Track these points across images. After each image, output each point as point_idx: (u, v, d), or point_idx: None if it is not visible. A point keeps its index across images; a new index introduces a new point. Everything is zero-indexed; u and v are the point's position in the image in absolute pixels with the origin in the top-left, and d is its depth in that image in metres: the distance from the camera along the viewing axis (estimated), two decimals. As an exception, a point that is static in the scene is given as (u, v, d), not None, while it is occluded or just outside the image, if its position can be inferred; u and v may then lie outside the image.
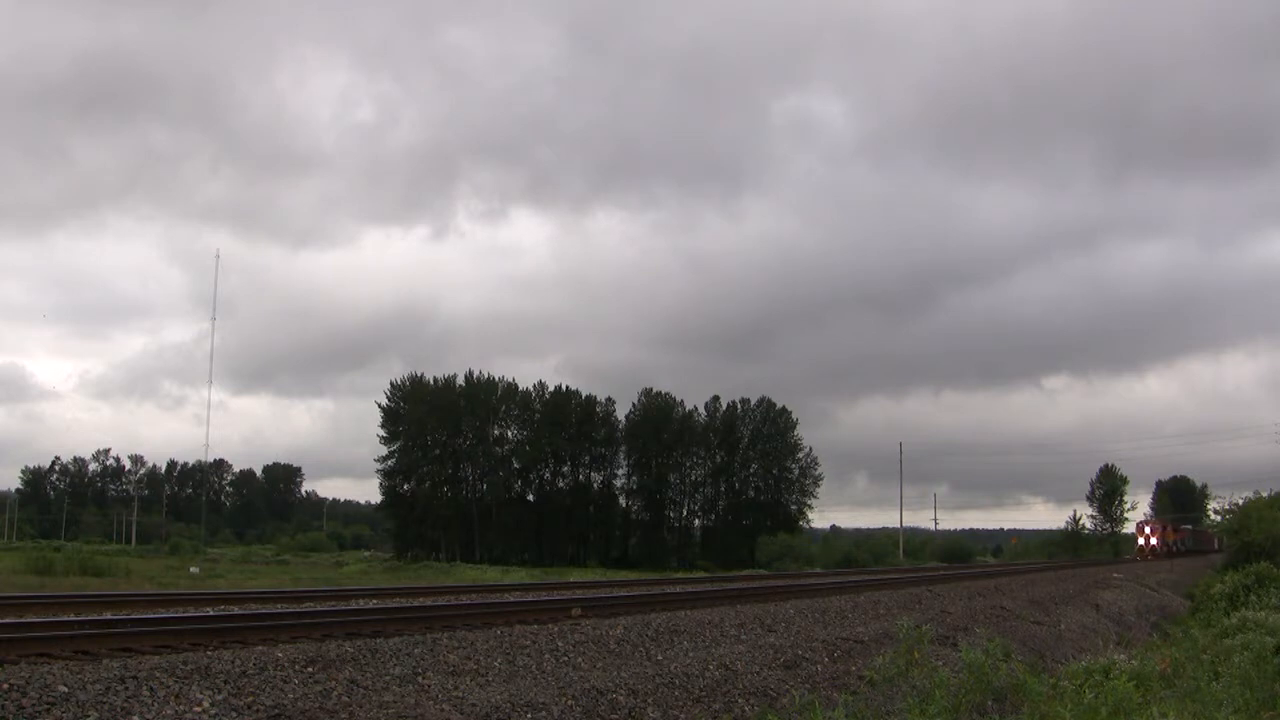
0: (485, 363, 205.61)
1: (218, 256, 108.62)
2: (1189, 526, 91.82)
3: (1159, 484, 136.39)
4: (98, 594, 18.86)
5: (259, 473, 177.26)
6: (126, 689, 7.75)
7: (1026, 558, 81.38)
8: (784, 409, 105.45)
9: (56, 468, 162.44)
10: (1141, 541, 77.31)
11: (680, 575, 53.53)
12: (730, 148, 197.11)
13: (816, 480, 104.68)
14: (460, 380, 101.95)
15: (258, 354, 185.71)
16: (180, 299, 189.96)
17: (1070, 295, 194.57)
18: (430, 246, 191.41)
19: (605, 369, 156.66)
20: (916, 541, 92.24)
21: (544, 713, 9.33)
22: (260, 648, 9.97)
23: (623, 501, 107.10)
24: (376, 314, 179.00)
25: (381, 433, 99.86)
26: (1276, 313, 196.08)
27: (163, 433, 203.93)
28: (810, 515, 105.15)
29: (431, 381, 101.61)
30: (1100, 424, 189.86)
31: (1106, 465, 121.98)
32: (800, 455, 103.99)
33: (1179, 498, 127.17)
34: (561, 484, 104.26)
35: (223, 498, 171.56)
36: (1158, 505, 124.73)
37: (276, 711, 8.00)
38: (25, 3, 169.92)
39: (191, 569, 48.10)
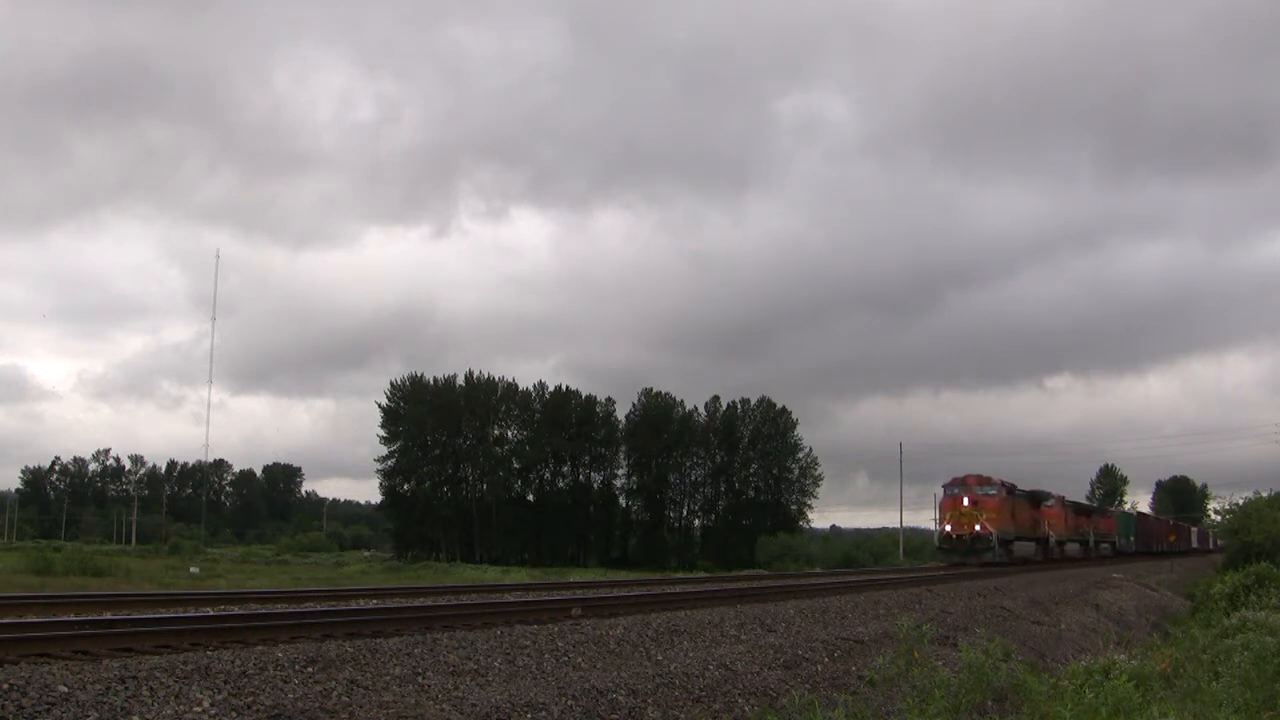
0: (485, 363, 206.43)
1: (218, 256, 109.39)
2: (1112, 508, 70.43)
3: (1159, 484, 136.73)
4: (98, 594, 18.83)
5: (259, 473, 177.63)
6: (126, 689, 7.75)
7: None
8: (784, 409, 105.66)
9: (56, 468, 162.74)
10: (947, 528, 40.85)
11: (680, 575, 53.43)
12: (734, 146, 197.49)
13: (816, 480, 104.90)
14: (460, 380, 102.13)
15: (257, 354, 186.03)
16: (180, 299, 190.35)
17: (1073, 295, 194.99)
18: (431, 246, 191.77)
19: (605, 369, 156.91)
20: (916, 541, 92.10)
21: (544, 713, 9.33)
22: (260, 648, 9.96)
23: (623, 501, 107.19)
24: (376, 314, 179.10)
25: (381, 433, 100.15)
26: (1278, 313, 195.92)
27: (162, 433, 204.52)
28: (810, 515, 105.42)
29: (431, 381, 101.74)
30: (1101, 424, 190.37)
31: (1107, 465, 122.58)
32: (800, 455, 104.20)
33: (1179, 498, 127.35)
34: (561, 484, 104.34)
35: (223, 498, 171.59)
36: (1158, 505, 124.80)
37: (276, 711, 7.99)
38: (24, 0, 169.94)
39: (191, 569, 48.10)
